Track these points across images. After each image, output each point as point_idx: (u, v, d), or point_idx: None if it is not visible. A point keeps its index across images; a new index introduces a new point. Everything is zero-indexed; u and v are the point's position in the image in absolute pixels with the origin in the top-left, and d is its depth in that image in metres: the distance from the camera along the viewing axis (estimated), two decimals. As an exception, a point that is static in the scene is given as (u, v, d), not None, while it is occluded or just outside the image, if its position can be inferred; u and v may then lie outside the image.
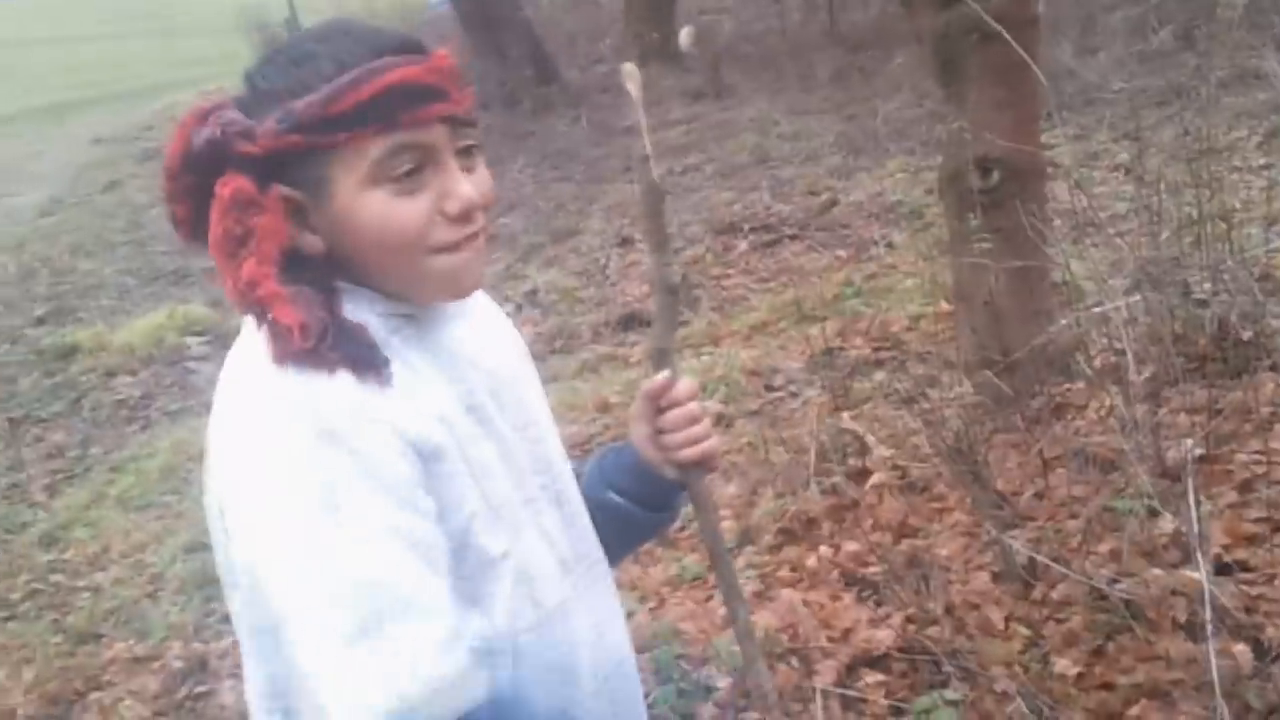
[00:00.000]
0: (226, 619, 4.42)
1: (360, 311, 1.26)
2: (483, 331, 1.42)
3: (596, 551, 1.51)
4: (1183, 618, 2.88)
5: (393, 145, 1.21)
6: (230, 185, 1.20)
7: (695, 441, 1.49)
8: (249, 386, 1.23)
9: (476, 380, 1.34)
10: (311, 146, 1.20)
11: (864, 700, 3.00)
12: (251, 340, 1.24)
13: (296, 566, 1.15)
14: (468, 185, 1.27)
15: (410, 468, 1.19)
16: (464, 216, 1.27)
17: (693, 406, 1.49)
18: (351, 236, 1.24)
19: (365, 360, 1.21)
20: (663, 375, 1.48)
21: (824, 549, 3.74)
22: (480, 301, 1.45)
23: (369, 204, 1.22)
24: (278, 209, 1.21)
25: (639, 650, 3.35)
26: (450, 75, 1.25)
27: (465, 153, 1.28)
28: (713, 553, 1.59)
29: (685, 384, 1.49)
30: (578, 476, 1.59)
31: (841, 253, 7.38)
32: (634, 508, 1.56)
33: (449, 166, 1.26)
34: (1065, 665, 2.90)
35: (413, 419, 1.21)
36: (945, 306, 5.12)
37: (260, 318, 1.21)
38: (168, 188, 1.25)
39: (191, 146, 1.22)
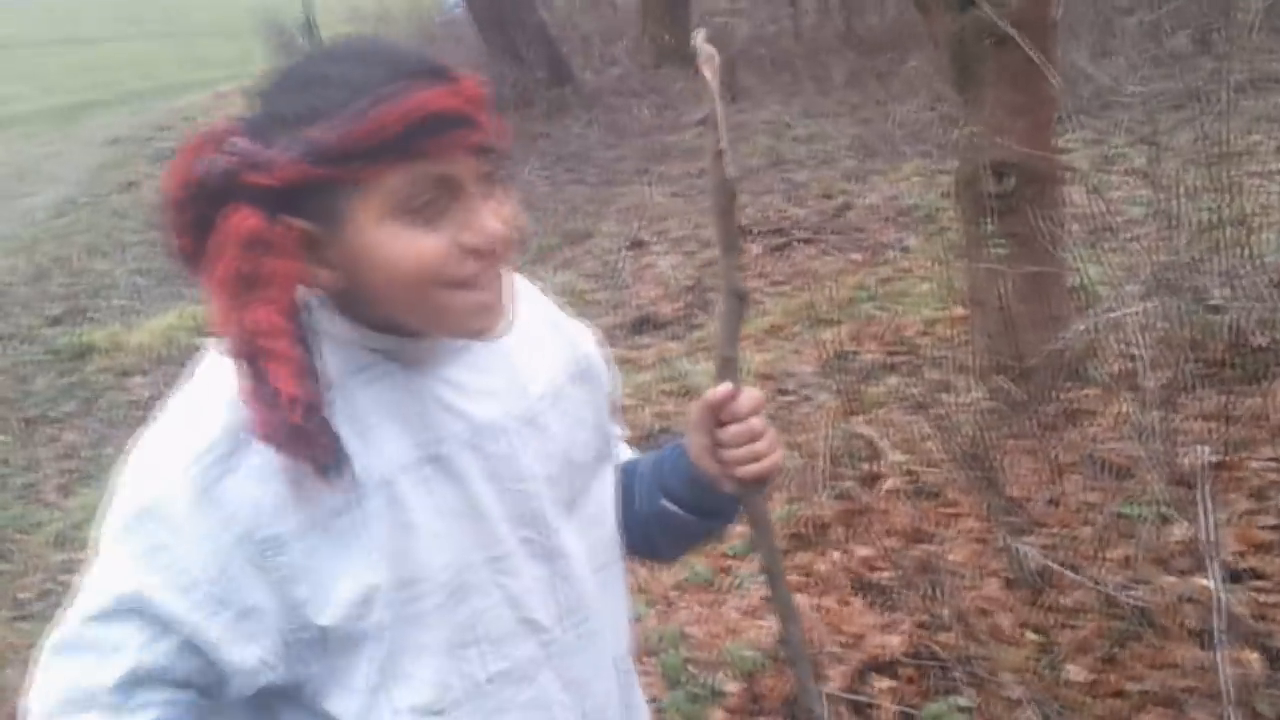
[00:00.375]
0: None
1: (331, 351, 1.21)
2: (490, 372, 1.34)
3: (595, 604, 1.44)
4: (1195, 625, 2.87)
5: (414, 176, 1.14)
6: (237, 219, 1.12)
7: (756, 458, 1.40)
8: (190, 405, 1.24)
9: (450, 429, 1.28)
10: (330, 179, 1.12)
11: (874, 706, 2.99)
12: (217, 375, 1.20)
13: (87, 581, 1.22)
14: (490, 217, 1.19)
15: (229, 565, 1.17)
16: (484, 250, 1.19)
17: (755, 422, 1.39)
18: (367, 271, 1.17)
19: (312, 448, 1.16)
20: (725, 386, 1.38)
21: (835, 554, 3.72)
22: (517, 330, 1.32)
23: (385, 237, 1.15)
24: (291, 246, 1.14)
25: (648, 654, 3.37)
26: (479, 101, 1.17)
27: (488, 179, 1.20)
28: (769, 572, 1.53)
29: (749, 396, 1.40)
30: (634, 473, 1.55)
31: (856, 256, 7.36)
32: (689, 516, 1.50)
33: (471, 197, 1.18)
34: (1076, 672, 2.89)
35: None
36: (960, 311, 5.11)
37: (250, 369, 1.14)
38: (171, 220, 1.16)
39: (199, 175, 1.13)
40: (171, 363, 7.66)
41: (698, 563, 3.97)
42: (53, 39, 34.26)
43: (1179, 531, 3.14)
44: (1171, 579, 3.01)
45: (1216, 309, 3.97)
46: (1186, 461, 3.33)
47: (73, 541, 5.51)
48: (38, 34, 35.14)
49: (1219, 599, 2.59)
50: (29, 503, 6.08)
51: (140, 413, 7.02)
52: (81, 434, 6.91)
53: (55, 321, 8.98)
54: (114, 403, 7.24)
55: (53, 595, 5.04)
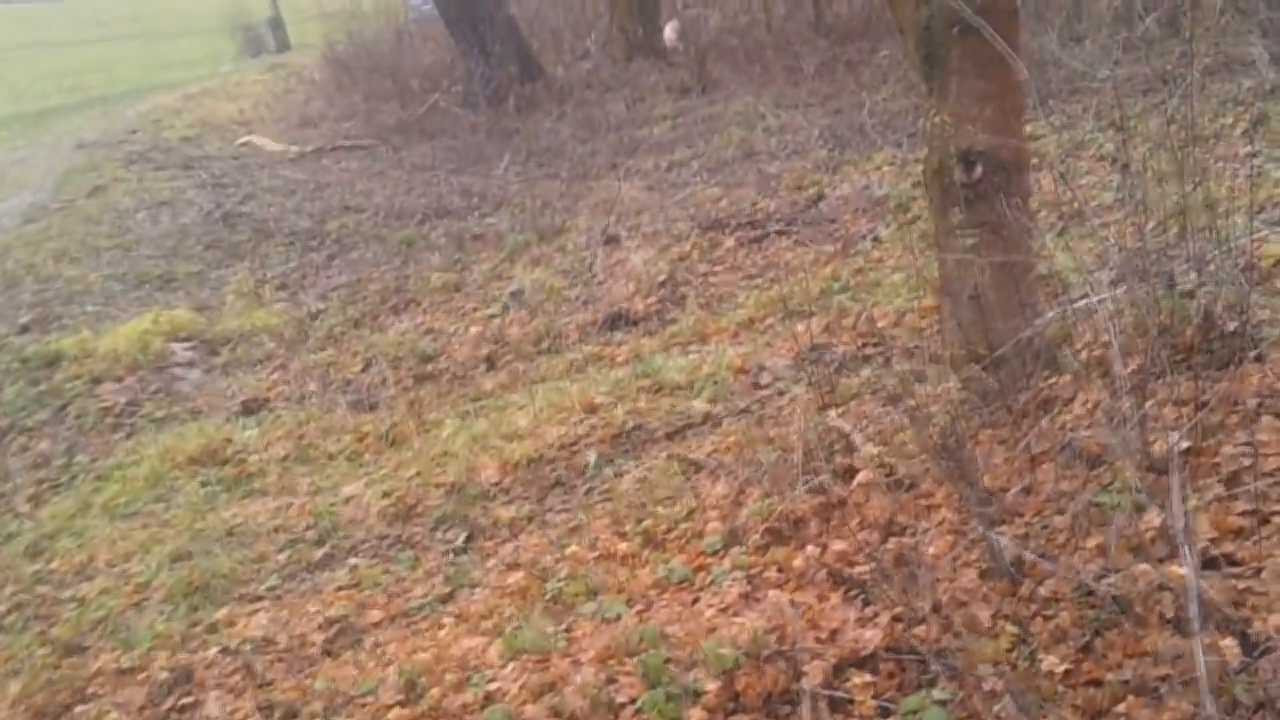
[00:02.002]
0: (213, 628, 4.41)
1: None
2: None
3: None
4: (1170, 613, 2.86)
5: None
6: None
7: None
8: None
9: None
10: None
11: (852, 701, 2.98)
12: None
13: None
14: None
15: None
16: None
17: None
18: None
19: None
20: None
21: (811, 549, 3.71)
22: None
23: None
24: None
25: (627, 654, 3.35)
26: None
27: None
28: None
29: None
30: None
31: (828, 247, 7.36)
32: None
33: None
34: (1053, 662, 2.88)
35: None
36: (931, 301, 5.10)
37: None
38: None
39: None
40: (144, 369, 7.61)
41: (675, 561, 3.96)
42: (19, 43, 34.00)
43: (1153, 519, 3.13)
44: (1146, 567, 2.99)
45: (1187, 294, 3.96)
46: (1159, 448, 3.33)
47: (45, 552, 5.46)
48: (3, 38, 34.85)
49: (1194, 586, 2.58)
50: (0, 513, 6.03)
51: (112, 420, 6.98)
52: (53, 443, 6.84)
53: (25, 329, 8.89)
54: (85, 410, 7.17)
55: (26, 606, 5.00)
